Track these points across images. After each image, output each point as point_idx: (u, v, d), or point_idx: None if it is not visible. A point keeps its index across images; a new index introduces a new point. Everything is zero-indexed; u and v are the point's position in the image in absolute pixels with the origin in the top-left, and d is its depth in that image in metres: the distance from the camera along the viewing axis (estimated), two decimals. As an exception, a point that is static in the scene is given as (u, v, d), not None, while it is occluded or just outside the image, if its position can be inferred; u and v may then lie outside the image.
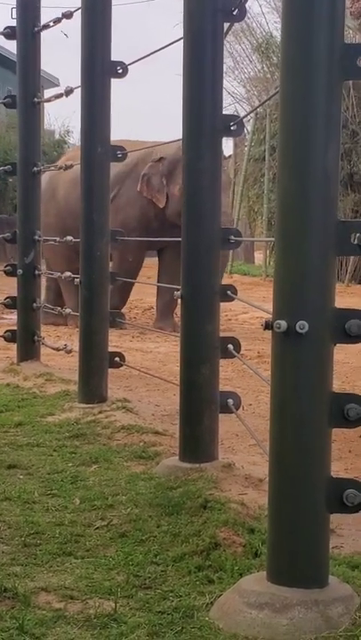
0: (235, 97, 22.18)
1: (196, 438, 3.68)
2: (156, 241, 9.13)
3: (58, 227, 9.17)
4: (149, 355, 7.59)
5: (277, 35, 21.10)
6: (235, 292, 3.82)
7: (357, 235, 2.35)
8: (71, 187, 9.35)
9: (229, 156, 23.02)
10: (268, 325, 2.39)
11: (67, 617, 2.37)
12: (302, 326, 2.30)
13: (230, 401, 3.81)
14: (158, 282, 9.72)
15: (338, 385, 5.86)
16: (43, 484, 3.57)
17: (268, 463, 2.43)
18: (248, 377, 6.33)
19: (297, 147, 2.33)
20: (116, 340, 7.30)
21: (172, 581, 2.61)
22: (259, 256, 24.01)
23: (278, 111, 2.41)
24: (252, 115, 18.82)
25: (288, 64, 2.37)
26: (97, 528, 3.06)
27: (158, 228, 9.42)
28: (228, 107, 20.96)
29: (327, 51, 2.30)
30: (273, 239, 2.46)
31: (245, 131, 20.81)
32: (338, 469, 3.82)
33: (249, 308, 10.33)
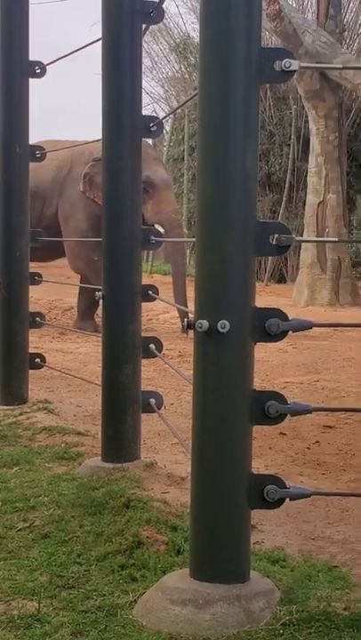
0: (153, 97, 22.23)
1: (119, 438, 3.69)
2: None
3: None
4: (70, 355, 7.57)
5: (195, 35, 21.23)
6: (156, 291, 3.84)
7: (276, 235, 2.39)
8: None
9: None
10: (190, 325, 2.41)
11: (-10, 619, 2.36)
12: (224, 325, 2.33)
13: (152, 400, 3.83)
14: (81, 282, 9.66)
15: (258, 383, 5.94)
16: (-36, 486, 3.54)
17: (191, 461, 2.46)
18: (170, 376, 6.37)
19: (216, 149, 2.36)
20: (36, 341, 7.26)
21: (96, 580, 2.61)
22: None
23: (197, 113, 2.43)
24: (154, 115, 18.85)
25: (206, 67, 2.39)
26: (19, 530, 3.05)
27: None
28: (147, 106, 20.98)
29: (244, 54, 2.33)
30: (192, 240, 2.49)
31: (164, 131, 20.89)
32: (258, 466, 3.87)
33: (170, 307, 10.38)
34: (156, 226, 8.95)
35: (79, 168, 9.38)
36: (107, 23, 3.70)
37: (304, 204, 14.82)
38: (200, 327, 2.36)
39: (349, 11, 19.13)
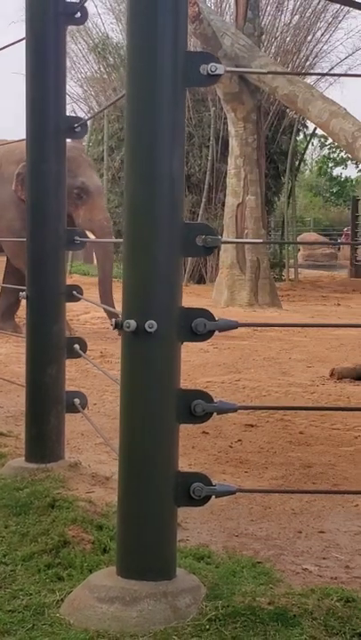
0: (72, 97, 22.12)
1: (43, 438, 3.69)
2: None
3: None
4: (-10, 356, 7.52)
5: (114, 36, 21.25)
6: (80, 292, 3.85)
7: (202, 236, 2.43)
8: None
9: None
10: (117, 325, 2.44)
11: None
12: (151, 325, 2.36)
13: (77, 400, 3.84)
14: (4, 282, 9.56)
15: (181, 382, 5.98)
16: None
17: (118, 459, 2.48)
18: (92, 377, 6.37)
19: (144, 152, 2.39)
20: None
21: (22, 580, 2.62)
22: (97, 256, 24.02)
23: (125, 116, 2.46)
24: (78, 116, 18.81)
25: (133, 71, 2.41)
26: None
27: None
28: (66, 106, 20.86)
29: (171, 58, 2.36)
30: (120, 240, 2.51)
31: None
32: (182, 465, 3.87)
33: (90, 307, 10.37)
34: (88, 233, 8.94)
35: (10, 167, 9.24)
36: (30, 25, 3.70)
37: (223, 206, 14.94)
38: (128, 327, 2.39)
39: (267, 14, 19.36)
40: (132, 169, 2.43)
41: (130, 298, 2.43)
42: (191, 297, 13.65)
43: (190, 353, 7.70)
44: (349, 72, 20.38)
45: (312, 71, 19.91)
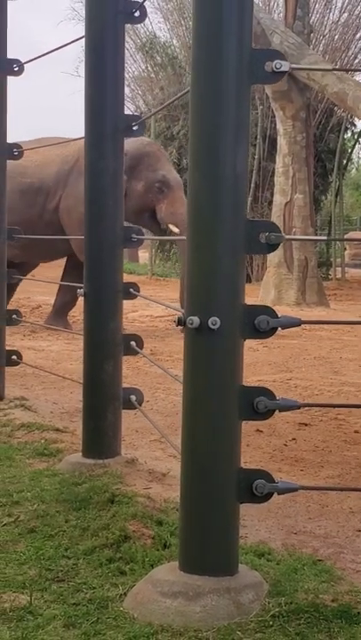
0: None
1: (100, 434, 3.72)
2: None
3: None
4: (42, 353, 7.57)
5: (161, 35, 21.32)
6: (137, 289, 3.87)
7: (266, 234, 2.43)
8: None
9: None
10: (180, 321, 2.45)
11: (-18, 612, 2.38)
12: (214, 322, 2.37)
13: (133, 397, 3.86)
14: (63, 280, 9.53)
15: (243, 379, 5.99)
16: None
17: (181, 455, 2.49)
18: (143, 374, 6.40)
19: (208, 149, 2.40)
20: (7, 339, 7.25)
21: (85, 574, 2.64)
22: (143, 255, 24.15)
23: (189, 114, 2.47)
24: (136, 114, 18.88)
25: (198, 68, 2.43)
26: (4, 524, 3.06)
27: None
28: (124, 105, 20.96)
29: (236, 55, 2.38)
30: (176, 238, 2.52)
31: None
32: (237, 463, 3.91)
33: (139, 306, 10.41)
34: (170, 226, 8.92)
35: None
36: (89, 24, 3.73)
37: (269, 204, 14.92)
38: (191, 324, 2.40)
39: (315, 12, 19.29)
40: (196, 166, 2.44)
41: (193, 295, 2.44)
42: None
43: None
44: None
45: None
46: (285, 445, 4.42)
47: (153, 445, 4.30)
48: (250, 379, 6.39)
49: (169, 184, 9.02)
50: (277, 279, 13.59)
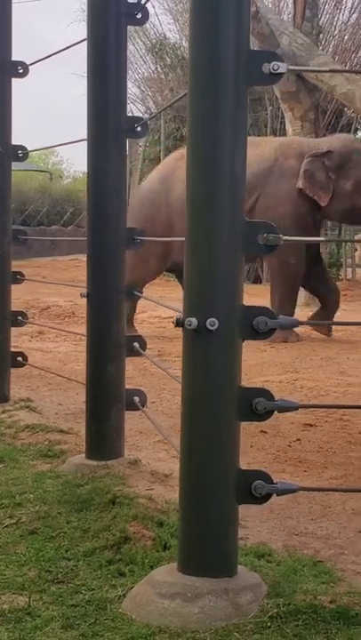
0: (129, 97, 22.21)
1: (103, 435, 3.73)
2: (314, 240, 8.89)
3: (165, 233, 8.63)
4: (49, 354, 7.58)
5: (171, 36, 21.30)
6: (141, 290, 3.88)
7: (264, 235, 2.43)
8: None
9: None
10: (178, 322, 2.45)
11: (-20, 613, 2.38)
12: (213, 323, 2.37)
13: (136, 398, 3.86)
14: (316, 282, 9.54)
15: (241, 380, 5.98)
16: None
17: (179, 456, 2.49)
18: (149, 375, 6.40)
19: (205, 150, 2.40)
20: (14, 340, 7.25)
21: (84, 575, 2.65)
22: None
23: (187, 114, 2.47)
24: (146, 115, 18.89)
25: (196, 70, 2.43)
26: (6, 526, 3.07)
27: (307, 226, 8.88)
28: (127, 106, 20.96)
29: (233, 57, 2.38)
30: (183, 239, 2.52)
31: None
32: (241, 464, 3.88)
33: (148, 307, 10.40)
34: None
35: (289, 161, 9.03)
36: (92, 25, 3.74)
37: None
38: (189, 325, 2.40)
39: (325, 12, 19.25)
40: (194, 166, 2.44)
41: (191, 296, 2.45)
42: (247, 297, 13.59)
43: (247, 352, 7.59)
44: None
45: (370, 69, 19.77)
46: (289, 446, 4.41)
47: (157, 446, 4.30)
48: (256, 379, 6.38)
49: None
50: (287, 280, 13.53)
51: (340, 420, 5.02)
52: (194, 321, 2.39)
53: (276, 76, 2.42)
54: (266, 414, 2.46)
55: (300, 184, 8.83)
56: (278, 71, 2.40)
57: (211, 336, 2.39)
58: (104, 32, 3.71)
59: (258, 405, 2.45)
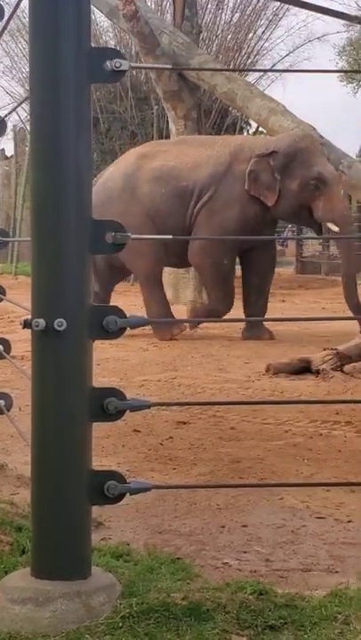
0: (14, 97, 22.00)
1: (-33, 440, 3.66)
2: (248, 240, 8.85)
3: (143, 228, 8.65)
4: None
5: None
6: (3, 292, 3.82)
7: (112, 234, 2.42)
8: (155, 185, 9.00)
9: (11, 156, 22.86)
10: (27, 324, 2.42)
11: None
12: (60, 324, 2.35)
13: (2, 402, 3.80)
14: (246, 285, 9.40)
15: (116, 382, 5.98)
16: None
17: (31, 459, 2.46)
18: (27, 379, 6.31)
19: (48, 148, 2.38)
20: None
21: None
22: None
23: (29, 113, 2.44)
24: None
25: (36, 67, 2.39)
26: None
27: (253, 229, 8.83)
28: (7, 106, 20.81)
29: (74, 56, 2.35)
30: (29, 239, 2.49)
31: (26, 130, 20.69)
32: (111, 463, 3.91)
33: (18, 309, 10.27)
34: (330, 225, 8.75)
35: (241, 166, 8.98)
36: None
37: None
38: (37, 326, 2.37)
39: (207, 12, 19.41)
40: (37, 165, 2.41)
41: (38, 296, 2.42)
42: (138, 297, 13.62)
43: (129, 352, 7.70)
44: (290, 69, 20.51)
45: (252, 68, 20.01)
46: (161, 444, 4.42)
47: (27, 450, 4.19)
48: (135, 378, 6.39)
49: (325, 180, 8.72)
50: (175, 279, 13.57)
51: (214, 417, 5.06)
52: (41, 322, 2.36)
53: (118, 74, 2.40)
54: (117, 414, 2.44)
55: (246, 185, 8.90)
56: (120, 68, 2.38)
57: (59, 337, 2.37)
58: None
59: (109, 405, 2.43)
